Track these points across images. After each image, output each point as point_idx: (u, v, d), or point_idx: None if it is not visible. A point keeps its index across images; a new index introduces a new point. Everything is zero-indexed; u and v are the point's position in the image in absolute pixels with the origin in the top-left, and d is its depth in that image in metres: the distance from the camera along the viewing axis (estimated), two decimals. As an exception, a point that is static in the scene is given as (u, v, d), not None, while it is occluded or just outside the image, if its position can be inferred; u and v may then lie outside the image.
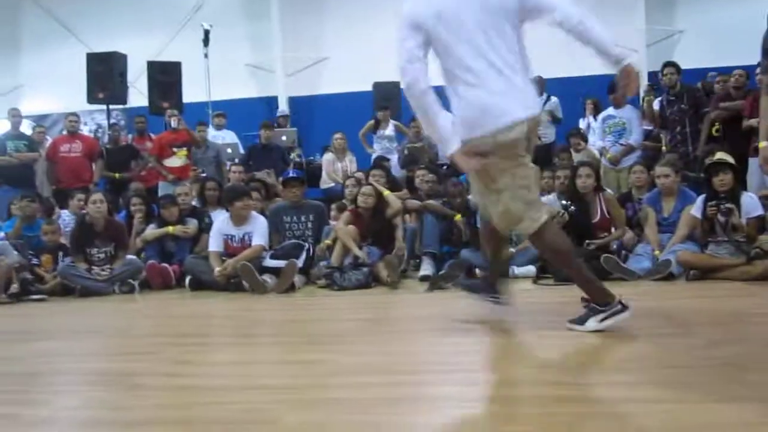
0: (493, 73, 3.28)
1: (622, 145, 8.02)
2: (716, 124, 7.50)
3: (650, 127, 8.52)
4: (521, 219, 3.40)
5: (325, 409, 2.48)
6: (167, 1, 14.03)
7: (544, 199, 6.25)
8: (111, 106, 11.24)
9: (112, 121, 10.95)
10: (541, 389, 2.60)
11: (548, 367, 2.93)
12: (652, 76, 10.86)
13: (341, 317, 4.81)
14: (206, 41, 11.71)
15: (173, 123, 9.13)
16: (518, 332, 3.65)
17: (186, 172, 8.95)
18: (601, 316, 3.37)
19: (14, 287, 6.03)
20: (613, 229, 5.91)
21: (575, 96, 10.00)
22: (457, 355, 3.36)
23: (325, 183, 9.42)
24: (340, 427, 2.29)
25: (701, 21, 12.27)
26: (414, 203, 6.79)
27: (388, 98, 10.31)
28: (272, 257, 6.16)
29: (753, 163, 6.35)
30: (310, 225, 6.64)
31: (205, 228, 6.71)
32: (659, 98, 8.18)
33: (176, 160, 8.97)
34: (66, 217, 7.66)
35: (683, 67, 8.11)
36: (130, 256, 6.59)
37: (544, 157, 8.39)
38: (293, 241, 6.45)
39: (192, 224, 6.83)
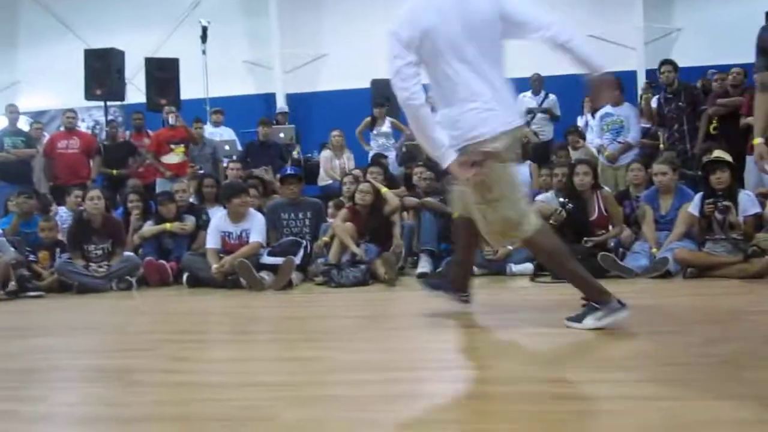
0: (480, 87, 3.36)
1: (619, 142, 8.02)
2: (714, 121, 7.51)
3: (648, 125, 8.52)
4: (518, 225, 3.44)
5: (323, 406, 2.48)
6: (165, -2, 14.02)
7: (541, 196, 6.29)
8: (108, 103, 11.24)
9: (110, 117, 10.94)
10: (538, 387, 2.60)
11: (545, 364, 2.93)
12: (650, 73, 10.87)
13: (339, 314, 4.81)
14: (204, 38, 11.69)
15: (171, 120, 9.12)
16: (515, 330, 3.64)
17: (183, 168, 8.93)
18: (600, 314, 3.39)
19: (12, 284, 6.02)
20: (610, 227, 5.91)
21: (573, 94, 9.95)
22: (454, 352, 3.37)
23: (323, 180, 9.41)
24: (338, 424, 2.29)
25: (699, 19, 12.28)
26: (412, 200, 6.79)
27: (386, 95, 10.26)
28: (270, 254, 6.16)
29: (750, 161, 6.35)
30: (307, 222, 6.63)
31: (202, 225, 6.70)
32: (657, 96, 8.18)
33: (174, 156, 8.96)
34: (63, 214, 7.65)
35: (681, 65, 8.11)
36: (127, 253, 6.58)
37: (542, 154, 8.43)
38: (291, 238, 6.44)
39: (189, 221, 6.82)
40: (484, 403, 2.46)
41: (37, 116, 12.04)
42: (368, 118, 9.70)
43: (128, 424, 2.41)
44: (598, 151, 8.20)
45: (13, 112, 9.24)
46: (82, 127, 11.68)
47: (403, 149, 9.11)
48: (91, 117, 13.41)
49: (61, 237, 6.90)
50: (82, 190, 7.48)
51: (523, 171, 7.93)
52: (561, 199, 5.94)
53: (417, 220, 6.57)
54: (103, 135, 10.57)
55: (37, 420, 2.50)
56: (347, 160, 9.36)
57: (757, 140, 3.76)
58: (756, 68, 3.83)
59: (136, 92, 12.01)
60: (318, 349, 3.48)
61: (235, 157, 9.44)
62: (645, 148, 8.32)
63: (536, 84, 9.70)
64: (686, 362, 2.79)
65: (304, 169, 9.40)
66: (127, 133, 10.47)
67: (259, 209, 6.69)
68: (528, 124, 9.34)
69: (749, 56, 3.88)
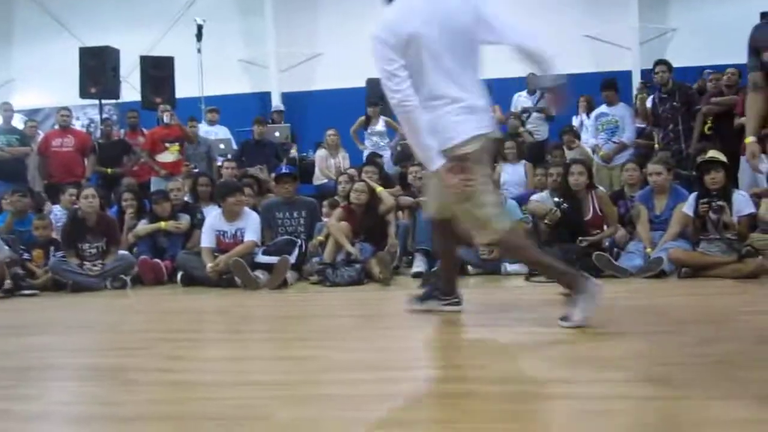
0: (456, 92, 3.45)
1: (614, 142, 8.04)
2: (708, 122, 7.52)
3: (643, 125, 8.54)
4: (487, 226, 3.51)
5: (318, 405, 2.48)
6: (160, -4, 13.99)
7: (536, 196, 6.31)
8: (103, 101, 11.21)
9: (105, 115, 10.91)
10: (533, 386, 2.61)
11: (540, 363, 2.93)
12: (645, 73, 10.89)
13: (333, 313, 4.81)
14: (199, 36, 11.68)
15: (165, 118, 9.11)
16: (510, 329, 3.65)
17: (178, 167, 8.90)
18: (582, 304, 3.41)
19: (7, 283, 6.00)
20: (605, 227, 5.92)
21: (568, 93, 9.99)
22: (449, 352, 3.37)
23: (318, 179, 9.41)
24: (333, 423, 2.29)
25: (694, 19, 12.29)
26: (407, 200, 6.79)
27: (379, 94, 10.20)
28: (264, 253, 6.15)
29: (745, 161, 6.37)
30: (302, 221, 6.63)
31: (197, 224, 6.69)
32: (652, 96, 8.20)
33: (168, 155, 8.93)
34: (57, 212, 7.63)
35: (676, 65, 8.13)
36: (122, 252, 6.56)
37: (537, 154, 8.44)
38: (285, 237, 6.44)
39: (184, 220, 6.81)
40: (479, 402, 2.46)
41: (31, 114, 12.02)
42: (362, 118, 9.69)
43: (123, 422, 2.41)
44: (593, 151, 8.22)
45: (7, 110, 9.22)
46: (77, 125, 11.63)
47: (398, 148, 9.10)
48: (86, 115, 13.36)
49: (55, 235, 6.87)
50: (76, 189, 7.46)
51: (518, 170, 7.95)
52: (556, 199, 5.96)
53: (412, 220, 6.58)
54: (98, 133, 10.52)
55: (32, 419, 2.50)
56: (342, 159, 9.35)
57: (749, 139, 3.80)
58: (748, 68, 3.86)
59: (130, 90, 11.97)
60: (313, 348, 3.48)
61: (230, 156, 9.43)
62: (640, 148, 8.34)
63: (531, 84, 9.69)
64: (680, 362, 2.80)
65: (299, 168, 9.40)
66: (122, 131, 10.44)
67: (254, 208, 6.68)
68: (523, 123, 9.36)
69: (744, 57, 3.90)
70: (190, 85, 11.41)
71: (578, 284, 3.46)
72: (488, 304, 4.49)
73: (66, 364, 3.42)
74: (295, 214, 6.64)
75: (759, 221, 5.59)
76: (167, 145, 8.93)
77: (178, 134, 9.00)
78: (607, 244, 5.85)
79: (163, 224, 6.73)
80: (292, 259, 6.03)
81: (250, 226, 6.21)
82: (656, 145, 8.06)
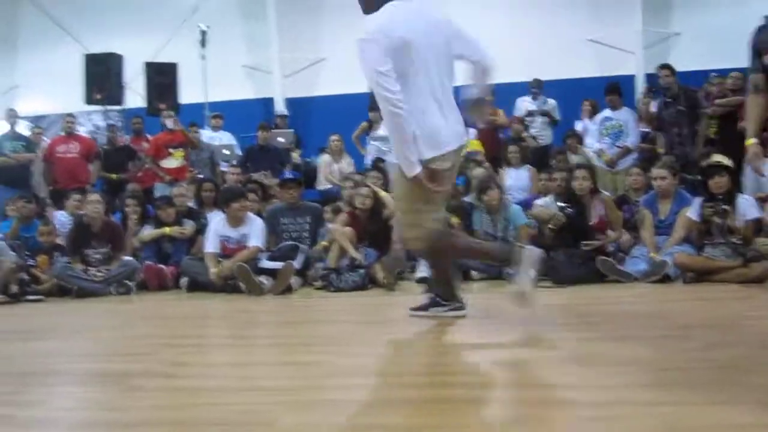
0: (432, 106, 3.54)
1: (618, 147, 8.04)
2: (713, 126, 7.51)
3: (647, 129, 8.53)
4: (426, 231, 3.68)
5: (322, 411, 2.47)
6: (164, 3, 13.99)
7: (540, 201, 6.29)
8: (108, 107, 11.24)
9: (109, 122, 10.93)
10: (536, 392, 2.60)
11: (545, 369, 2.92)
12: (649, 78, 10.88)
13: (338, 319, 4.81)
14: (203, 42, 11.68)
15: (169, 124, 9.14)
16: (513, 335, 3.64)
17: (183, 173, 8.93)
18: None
19: (14, 288, 6.02)
20: (609, 232, 5.91)
21: (572, 98, 9.99)
22: (452, 357, 3.36)
23: (322, 184, 9.41)
24: (337, 429, 2.29)
25: (698, 23, 12.28)
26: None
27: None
28: (269, 259, 6.15)
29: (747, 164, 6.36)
30: (307, 226, 6.64)
31: (201, 229, 6.70)
32: (656, 100, 8.18)
33: (173, 161, 8.97)
34: (62, 218, 7.64)
35: (680, 69, 8.12)
36: (126, 257, 6.58)
37: (540, 158, 8.44)
38: (290, 242, 6.44)
39: (189, 225, 6.83)
40: (484, 408, 2.45)
41: (36, 121, 12.05)
42: (364, 123, 9.69)
43: (126, 428, 2.40)
44: (598, 156, 8.20)
45: (13, 116, 9.26)
46: (82, 131, 11.67)
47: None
48: (91, 121, 13.36)
49: (59, 241, 6.89)
50: (81, 195, 7.48)
51: (522, 175, 7.95)
52: (560, 204, 5.94)
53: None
54: (103, 139, 10.58)
55: (35, 424, 2.49)
56: (346, 164, 9.36)
57: (751, 140, 3.81)
58: (749, 70, 3.86)
59: (135, 96, 12.01)
60: (317, 353, 3.48)
61: (235, 162, 9.45)
62: (644, 152, 8.33)
63: (536, 88, 9.68)
64: (685, 367, 2.79)
65: (303, 173, 9.40)
66: (127, 137, 10.48)
67: (259, 214, 6.69)
68: (526, 128, 9.35)
69: (748, 61, 3.91)
70: (195, 91, 11.43)
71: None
72: (491, 309, 4.47)
73: (70, 370, 3.41)
74: (299, 220, 6.64)
75: (765, 225, 5.57)
76: (171, 150, 8.96)
77: (182, 140, 9.04)
78: (611, 248, 5.84)
79: (167, 230, 6.75)
80: (297, 264, 6.04)
81: (255, 231, 6.21)
82: (660, 150, 8.05)
